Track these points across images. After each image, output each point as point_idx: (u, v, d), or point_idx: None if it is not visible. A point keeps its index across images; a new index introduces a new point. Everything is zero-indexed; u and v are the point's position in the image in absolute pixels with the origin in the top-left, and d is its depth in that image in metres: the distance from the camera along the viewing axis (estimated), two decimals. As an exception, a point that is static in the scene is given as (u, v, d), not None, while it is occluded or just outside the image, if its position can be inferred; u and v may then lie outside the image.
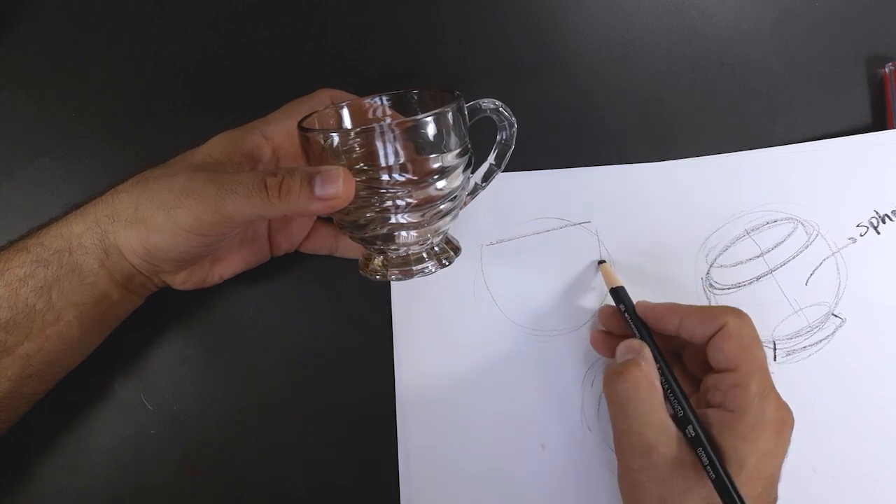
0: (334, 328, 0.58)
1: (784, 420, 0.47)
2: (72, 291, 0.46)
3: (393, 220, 0.46)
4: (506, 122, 0.49)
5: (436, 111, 0.43)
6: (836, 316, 0.57)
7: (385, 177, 0.44)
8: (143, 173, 0.48)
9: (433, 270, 0.49)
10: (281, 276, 0.58)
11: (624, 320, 0.54)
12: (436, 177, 0.45)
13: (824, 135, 0.61)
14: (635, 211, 0.59)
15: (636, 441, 0.47)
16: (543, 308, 0.57)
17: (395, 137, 0.43)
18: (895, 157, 0.59)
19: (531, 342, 0.57)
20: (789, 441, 0.47)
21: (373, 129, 0.43)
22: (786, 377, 0.56)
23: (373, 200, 0.44)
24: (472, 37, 0.62)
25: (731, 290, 0.57)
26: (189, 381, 0.57)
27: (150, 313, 0.53)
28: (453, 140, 0.45)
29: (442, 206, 0.46)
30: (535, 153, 0.59)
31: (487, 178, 0.53)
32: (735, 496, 0.43)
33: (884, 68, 0.62)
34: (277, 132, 0.50)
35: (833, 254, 0.58)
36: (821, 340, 0.57)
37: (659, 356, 0.50)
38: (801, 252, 0.58)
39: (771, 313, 0.57)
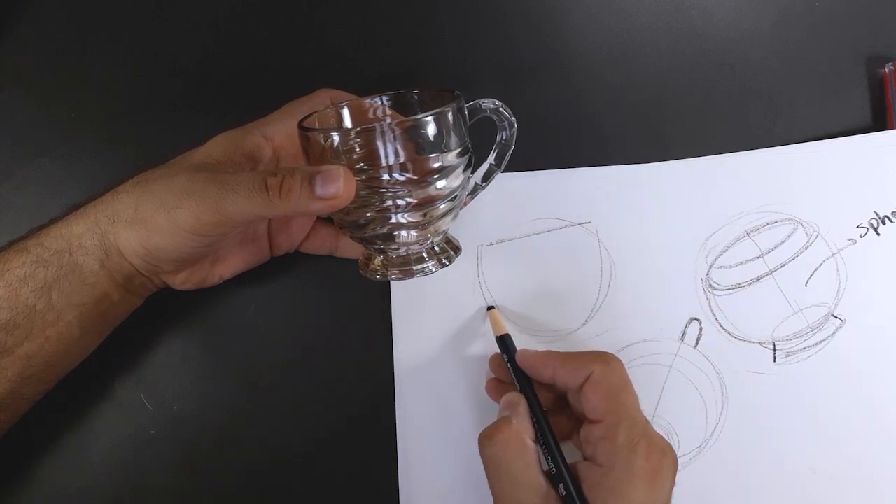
0: (334, 328, 0.58)
1: (656, 469, 0.44)
2: (72, 292, 0.46)
3: (393, 220, 0.46)
4: (506, 122, 0.49)
5: (436, 111, 0.44)
6: (835, 317, 0.57)
7: (385, 176, 0.44)
8: (143, 174, 0.48)
9: (433, 270, 0.49)
10: (281, 276, 0.58)
11: (508, 367, 0.53)
12: (436, 176, 0.45)
13: (824, 135, 0.61)
14: (635, 211, 0.59)
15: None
16: (543, 308, 0.57)
17: (395, 137, 0.43)
18: (895, 157, 0.59)
19: (530, 343, 0.57)
20: (670, 487, 0.45)
21: (373, 129, 0.43)
22: (785, 378, 0.56)
23: (373, 200, 0.45)
24: (472, 37, 0.62)
25: (730, 291, 0.57)
26: (189, 381, 0.57)
27: (150, 313, 0.53)
28: (453, 140, 0.45)
29: (442, 206, 0.46)
30: (535, 153, 0.59)
31: (487, 177, 0.53)
32: None
33: (884, 68, 0.62)
34: (278, 132, 0.50)
35: (833, 255, 0.58)
36: (821, 341, 0.57)
37: (537, 408, 0.49)
38: (801, 253, 0.58)
39: (771, 314, 0.57)
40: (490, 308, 0.57)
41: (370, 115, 0.53)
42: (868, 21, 0.63)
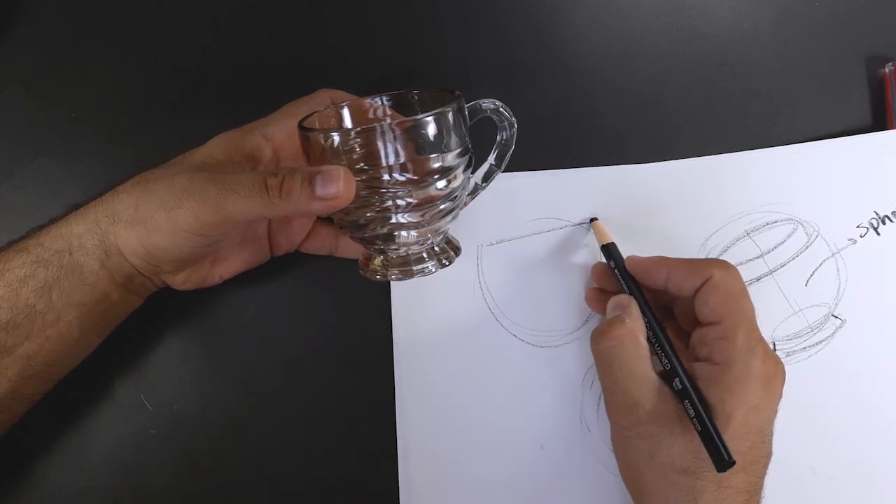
0: (334, 328, 0.58)
1: (772, 374, 0.46)
2: (72, 292, 0.46)
3: (393, 220, 0.46)
4: (506, 123, 0.49)
5: (436, 111, 0.43)
6: (835, 317, 0.57)
7: (385, 176, 0.44)
8: (143, 174, 0.48)
9: (433, 270, 0.49)
10: (281, 276, 0.58)
11: (614, 276, 0.53)
12: (436, 177, 0.45)
13: (824, 135, 0.61)
14: (636, 211, 0.59)
15: (622, 399, 0.47)
16: (543, 308, 0.57)
17: (395, 137, 0.43)
18: (895, 157, 0.59)
19: (530, 343, 0.57)
20: (779, 395, 0.47)
21: (373, 129, 0.43)
22: (786, 378, 0.56)
23: (373, 200, 0.45)
24: (473, 37, 0.62)
25: (731, 291, 0.57)
26: (189, 381, 0.57)
27: (150, 313, 0.53)
28: (454, 140, 0.45)
29: (442, 206, 0.46)
30: (535, 153, 0.59)
31: (488, 178, 0.53)
32: (721, 448, 0.43)
33: (884, 68, 0.62)
34: (278, 132, 0.50)
35: (833, 255, 0.58)
36: (821, 341, 0.57)
37: (647, 310, 0.50)
38: (801, 253, 0.58)
39: (771, 314, 0.57)
40: (593, 220, 0.58)
41: (370, 115, 0.53)
42: (868, 21, 0.64)
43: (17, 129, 0.59)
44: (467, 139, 0.47)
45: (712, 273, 0.47)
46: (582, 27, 0.62)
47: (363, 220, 0.46)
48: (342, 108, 0.52)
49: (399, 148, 0.43)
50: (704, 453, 0.44)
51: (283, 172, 0.42)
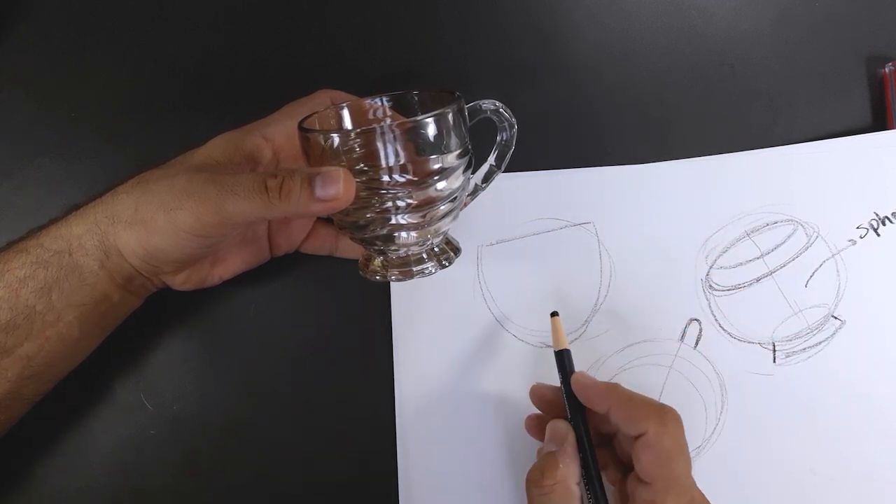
0: (334, 328, 0.58)
1: None
2: (72, 292, 0.46)
3: (393, 221, 0.46)
4: (506, 123, 0.49)
5: (436, 112, 0.43)
6: (835, 318, 0.57)
7: (385, 177, 0.44)
8: (142, 174, 0.48)
9: (433, 271, 0.49)
10: (281, 276, 0.58)
11: (558, 391, 0.51)
12: (436, 178, 0.45)
13: (824, 135, 0.61)
14: (635, 211, 0.59)
15: None
16: (542, 308, 0.57)
17: (395, 138, 0.43)
18: (895, 157, 0.59)
19: (530, 343, 0.57)
20: None
21: (373, 130, 0.43)
22: (786, 379, 0.56)
23: (373, 201, 0.45)
24: (473, 37, 0.62)
25: (730, 292, 0.57)
26: (189, 381, 0.57)
27: (150, 313, 0.53)
28: (454, 141, 0.45)
29: (442, 207, 0.46)
30: (535, 153, 0.59)
31: (487, 178, 0.53)
32: None
33: (884, 68, 0.62)
34: (277, 133, 0.50)
35: (833, 255, 0.58)
36: (820, 342, 0.57)
37: (587, 444, 0.48)
38: (801, 254, 0.58)
39: (771, 315, 0.57)
40: (554, 314, 0.54)
41: (370, 115, 0.53)
42: (868, 21, 0.64)
43: (17, 129, 0.59)
44: (467, 140, 0.47)
45: (647, 428, 0.45)
46: (582, 27, 0.62)
47: (363, 221, 0.46)
48: (342, 108, 0.52)
49: (399, 149, 0.43)
50: None
51: (282, 174, 0.42)
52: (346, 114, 0.52)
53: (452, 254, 0.51)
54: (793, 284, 0.58)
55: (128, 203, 0.46)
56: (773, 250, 0.58)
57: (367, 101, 0.52)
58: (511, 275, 0.58)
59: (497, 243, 0.58)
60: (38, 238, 0.46)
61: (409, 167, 0.44)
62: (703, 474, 0.55)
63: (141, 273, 0.48)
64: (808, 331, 0.57)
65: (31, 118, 0.59)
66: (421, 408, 0.56)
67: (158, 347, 0.57)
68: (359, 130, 0.45)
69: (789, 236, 0.58)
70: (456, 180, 0.46)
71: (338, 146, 0.44)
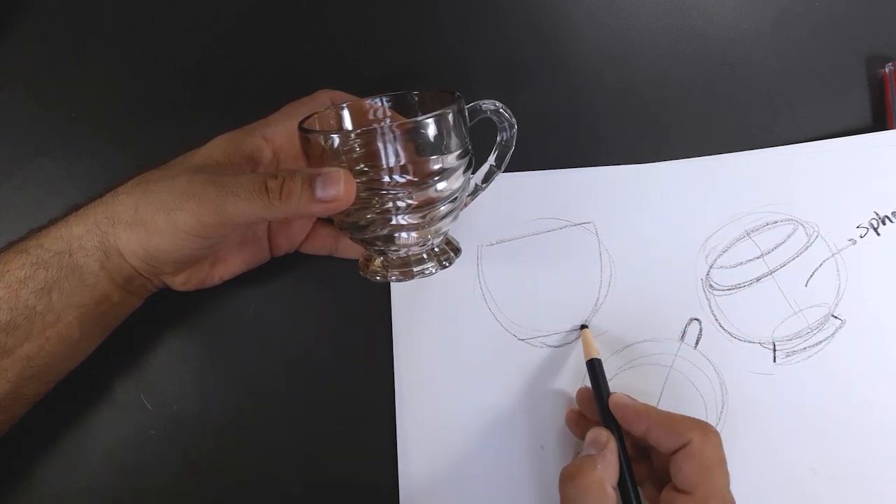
0: (334, 328, 0.58)
1: None
2: (72, 293, 0.46)
3: (393, 222, 0.46)
4: (506, 123, 0.49)
5: (436, 112, 0.43)
6: (835, 317, 0.57)
7: (386, 178, 0.44)
8: (142, 175, 0.48)
9: (433, 271, 0.49)
10: (281, 276, 0.58)
11: (595, 398, 0.52)
12: (436, 178, 0.45)
13: (824, 135, 0.61)
14: (635, 211, 0.59)
15: None
16: (543, 308, 0.57)
17: (395, 138, 0.43)
18: (895, 157, 0.59)
19: (530, 343, 0.57)
20: None
21: (373, 131, 0.43)
22: (786, 379, 0.56)
23: (373, 202, 0.45)
24: (473, 37, 0.62)
25: (730, 292, 0.57)
26: (189, 381, 0.57)
27: (150, 313, 0.53)
28: (454, 141, 0.45)
29: (442, 208, 0.46)
30: (535, 153, 0.59)
31: (488, 178, 0.53)
32: None
33: (884, 68, 0.62)
34: (278, 134, 0.50)
35: (833, 255, 0.58)
36: (821, 342, 0.57)
37: (623, 456, 0.48)
38: (801, 253, 0.58)
39: (771, 314, 0.57)
40: (583, 327, 0.56)
41: (370, 116, 0.53)
42: (868, 21, 0.63)
43: (17, 129, 0.59)
44: (467, 140, 0.47)
45: (691, 438, 0.45)
46: (582, 27, 0.62)
47: (363, 221, 0.46)
48: (342, 108, 0.52)
49: (399, 149, 0.43)
50: None
51: (283, 174, 0.42)
52: (346, 114, 0.52)
53: (452, 254, 0.51)
54: (793, 284, 0.58)
55: (128, 204, 0.46)
56: (773, 250, 0.58)
57: (367, 102, 0.52)
58: (511, 275, 0.58)
59: (497, 243, 0.58)
60: (38, 238, 0.46)
61: (410, 167, 0.44)
62: (703, 474, 0.55)
63: (141, 273, 0.48)
64: (809, 330, 0.57)
65: (31, 118, 0.59)
66: (421, 408, 0.56)
67: (158, 347, 0.57)
68: (359, 131, 0.45)
69: (789, 236, 0.58)
70: (456, 181, 0.46)
71: (338, 147, 0.44)
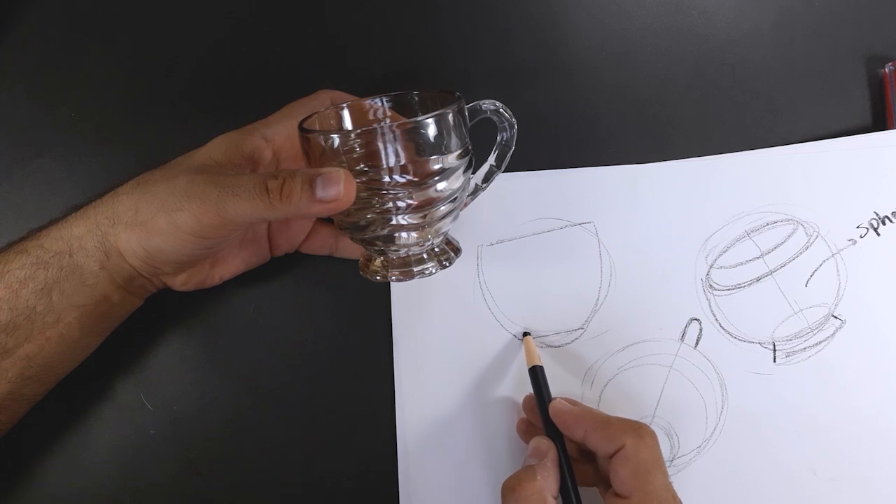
0: (334, 329, 0.58)
1: None
2: (72, 293, 0.46)
3: (393, 222, 0.46)
4: (506, 123, 0.49)
5: (437, 112, 0.43)
6: (835, 317, 0.57)
7: (386, 178, 0.44)
8: (142, 175, 0.48)
9: (433, 271, 0.49)
10: (281, 276, 0.58)
11: (537, 405, 0.52)
12: (436, 178, 0.45)
13: (824, 135, 0.61)
14: (635, 211, 0.59)
15: None
16: (543, 309, 0.57)
17: (395, 139, 0.43)
18: (895, 157, 0.59)
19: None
20: None
21: (374, 131, 0.43)
22: (786, 379, 0.56)
23: (373, 202, 0.45)
24: (473, 38, 0.62)
25: (730, 291, 0.57)
26: (189, 381, 0.57)
27: (150, 313, 0.53)
28: (454, 141, 0.45)
29: (442, 208, 0.46)
30: (535, 153, 0.59)
31: (488, 178, 0.53)
32: None
33: (884, 68, 0.62)
34: (278, 134, 0.50)
35: (833, 255, 0.58)
36: (821, 342, 0.57)
37: (564, 463, 0.49)
38: (801, 253, 0.58)
39: (771, 314, 0.57)
40: (526, 334, 0.57)
41: (370, 116, 0.53)
42: (868, 21, 0.63)
43: (17, 129, 0.59)
44: (468, 140, 0.47)
45: (624, 442, 0.46)
46: (582, 27, 0.62)
47: (363, 221, 0.46)
48: (342, 108, 0.52)
49: (399, 149, 0.43)
50: None
51: (283, 175, 0.42)
52: (346, 114, 0.52)
53: (453, 254, 0.51)
54: (793, 284, 0.58)
55: (128, 204, 0.46)
56: (773, 250, 0.58)
57: (368, 102, 0.52)
58: (511, 275, 0.58)
59: (497, 243, 0.58)
60: (39, 239, 0.46)
61: (410, 168, 0.44)
62: (703, 474, 0.55)
63: (141, 274, 0.48)
64: (808, 330, 0.57)
65: (31, 118, 0.59)
66: (421, 408, 0.56)
67: (158, 347, 0.57)
68: (359, 131, 0.45)
69: (789, 236, 0.58)
70: (456, 181, 0.46)
71: (338, 147, 0.44)
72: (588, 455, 0.51)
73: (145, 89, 0.60)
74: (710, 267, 0.58)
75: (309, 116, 0.48)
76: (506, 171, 0.52)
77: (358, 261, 0.52)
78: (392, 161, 0.43)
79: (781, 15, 0.63)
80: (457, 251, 0.51)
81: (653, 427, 0.46)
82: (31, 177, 0.58)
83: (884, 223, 0.58)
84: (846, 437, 0.55)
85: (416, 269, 0.49)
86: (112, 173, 0.58)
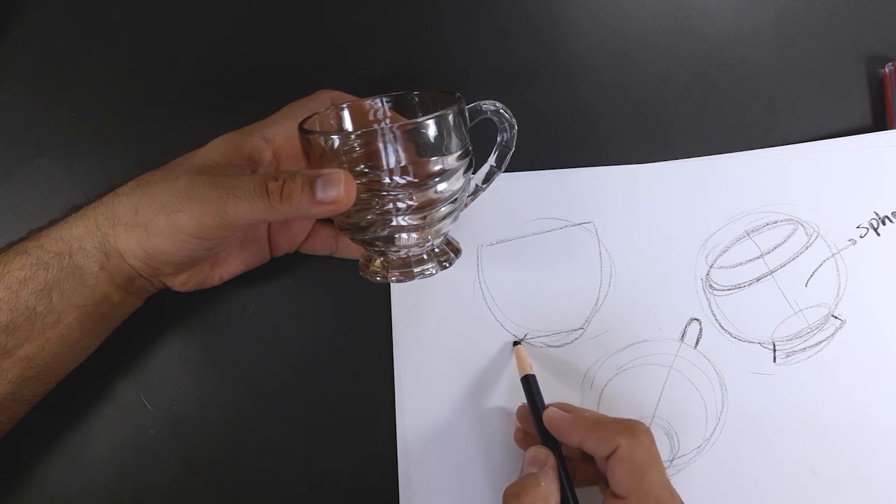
0: (334, 329, 0.58)
1: None
2: (72, 294, 0.46)
3: (394, 223, 0.46)
4: (506, 124, 0.49)
5: (437, 113, 0.43)
6: (835, 317, 0.57)
7: (386, 179, 0.44)
8: (142, 176, 0.48)
9: (434, 272, 0.49)
10: (281, 276, 0.58)
11: (532, 414, 0.52)
12: (436, 179, 0.45)
13: (824, 135, 0.61)
14: (635, 211, 0.59)
15: None
16: (543, 309, 0.57)
17: (396, 139, 0.43)
18: (895, 157, 0.59)
19: (530, 343, 0.57)
20: None
21: (374, 131, 0.43)
22: (786, 379, 0.56)
23: (373, 203, 0.45)
24: (473, 38, 0.62)
25: (730, 291, 0.57)
26: (189, 381, 0.57)
27: (150, 313, 0.53)
28: (454, 142, 0.45)
29: (443, 209, 0.46)
30: (535, 154, 0.59)
31: (488, 179, 0.53)
32: None
33: (884, 68, 0.62)
34: (278, 134, 0.50)
35: (833, 255, 0.58)
36: (821, 342, 0.57)
37: (563, 471, 0.49)
38: (801, 253, 0.58)
39: (771, 314, 0.57)
40: (516, 343, 0.57)
41: (370, 116, 0.53)
42: (868, 21, 0.63)
43: (17, 129, 0.59)
44: (468, 141, 0.47)
45: (619, 443, 0.46)
46: (582, 27, 0.62)
47: (364, 222, 0.46)
48: (342, 109, 0.52)
49: (400, 150, 0.43)
50: None
51: (283, 176, 0.42)
52: (346, 114, 0.52)
53: (453, 254, 0.51)
54: (793, 284, 0.58)
55: (128, 205, 0.46)
56: (773, 250, 0.58)
57: (368, 102, 0.52)
58: (511, 275, 0.58)
59: (497, 243, 0.58)
60: (38, 239, 0.46)
61: (410, 168, 0.44)
62: (703, 474, 0.55)
63: (141, 274, 0.48)
64: (808, 330, 0.57)
65: (31, 118, 0.59)
66: (421, 408, 0.56)
67: (158, 347, 0.57)
68: (359, 132, 0.45)
69: (789, 236, 0.58)
70: (456, 181, 0.46)
71: (338, 147, 0.43)
72: (588, 455, 0.51)
73: (145, 89, 0.60)
74: (710, 267, 0.58)
75: (309, 117, 0.48)
76: (506, 171, 0.52)
77: (358, 261, 0.52)
78: (392, 162, 0.43)
79: (781, 15, 0.63)
80: (457, 252, 0.51)
81: (653, 427, 0.47)
82: (31, 177, 0.58)
83: (884, 223, 0.58)
84: (846, 437, 0.56)
85: (416, 270, 0.49)
86: (112, 173, 0.57)
